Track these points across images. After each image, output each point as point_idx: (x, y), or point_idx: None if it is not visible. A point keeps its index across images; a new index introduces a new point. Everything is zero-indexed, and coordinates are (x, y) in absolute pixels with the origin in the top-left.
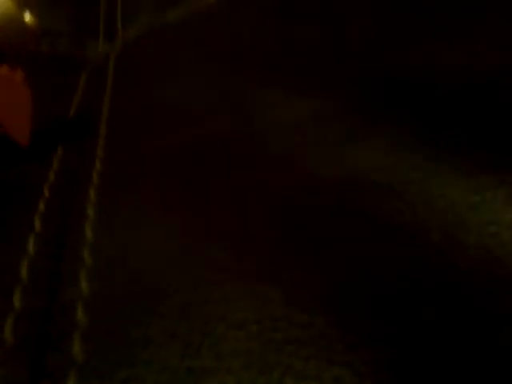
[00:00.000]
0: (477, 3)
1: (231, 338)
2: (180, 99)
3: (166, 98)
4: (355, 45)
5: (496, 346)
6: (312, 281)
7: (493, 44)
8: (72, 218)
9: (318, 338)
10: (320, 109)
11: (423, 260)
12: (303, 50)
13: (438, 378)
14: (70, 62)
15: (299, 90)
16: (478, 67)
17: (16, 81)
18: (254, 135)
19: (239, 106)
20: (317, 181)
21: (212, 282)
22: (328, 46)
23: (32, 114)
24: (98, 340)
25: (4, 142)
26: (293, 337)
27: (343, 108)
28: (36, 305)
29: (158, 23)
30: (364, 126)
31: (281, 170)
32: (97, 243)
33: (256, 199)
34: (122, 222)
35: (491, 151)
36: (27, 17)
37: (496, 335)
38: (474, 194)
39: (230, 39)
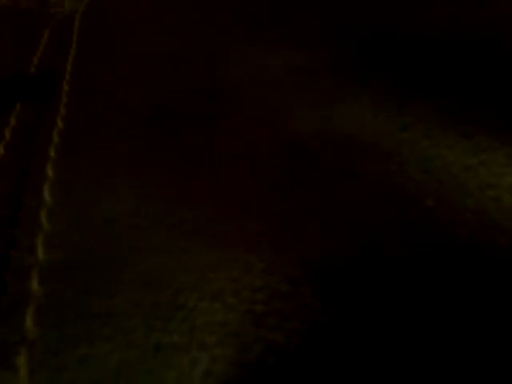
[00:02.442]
0: None
1: (205, 311)
2: (149, 53)
3: (134, 54)
4: (344, 5)
5: (494, 311)
6: (296, 247)
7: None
8: (30, 179)
9: (303, 310)
10: (304, 64)
11: (416, 226)
12: (284, 2)
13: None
14: (33, 17)
15: (282, 45)
16: (474, 22)
17: None
18: (232, 90)
19: (214, 60)
20: (302, 140)
21: (183, 249)
22: (315, 7)
23: None
24: (54, 313)
25: None
26: (274, 309)
27: (329, 64)
28: None
29: None
30: (351, 82)
31: (262, 127)
32: (56, 206)
33: (234, 159)
34: (84, 184)
35: (489, 110)
36: None
37: (494, 300)
38: (472, 155)
39: None
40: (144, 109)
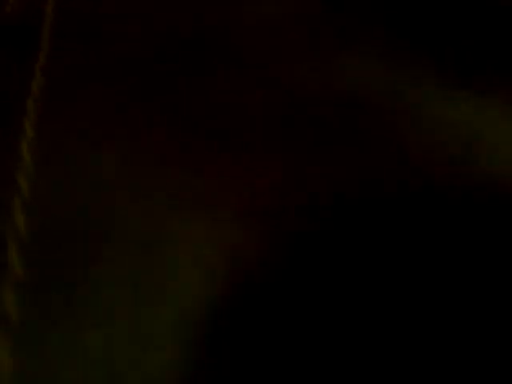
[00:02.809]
0: None
1: (188, 281)
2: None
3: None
4: None
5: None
6: (289, 220)
7: None
8: (7, 135)
9: (287, 283)
10: (304, 11)
11: (410, 170)
12: None
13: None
14: None
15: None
16: None
17: None
18: (225, 35)
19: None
20: (302, 98)
21: (170, 217)
22: None
23: None
24: (34, 287)
25: None
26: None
27: (330, 15)
28: None
29: None
30: (353, 28)
31: (261, 80)
32: (35, 167)
33: (229, 115)
34: (65, 143)
35: (499, 71)
36: None
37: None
38: (488, 110)
39: None
40: (130, 59)
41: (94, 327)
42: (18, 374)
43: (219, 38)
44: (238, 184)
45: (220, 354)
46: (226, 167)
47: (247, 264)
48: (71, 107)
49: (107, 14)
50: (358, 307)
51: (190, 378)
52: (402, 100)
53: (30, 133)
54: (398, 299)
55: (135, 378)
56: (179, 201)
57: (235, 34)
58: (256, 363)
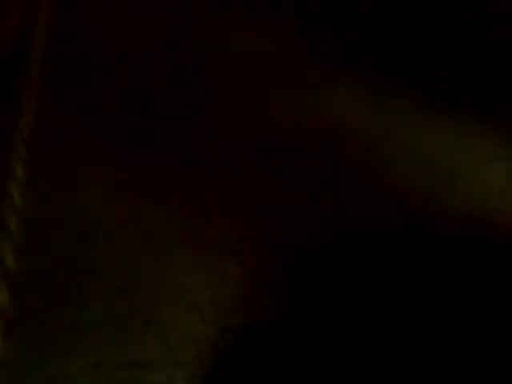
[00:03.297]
0: None
1: (180, 324)
2: (122, 36)
3: (111, 39)
4: None
5: (483, 310)
6: (276, 253)
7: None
8: None
9: (284, 321)
10: (289, 48)
11: (404, 216)
12: None
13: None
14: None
15: (262, 29)
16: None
17: None
18: (209, 74)
19: (188, 40)
20: (282, 130)
21: (159, 256)
22: None
23: None
24: (24, 328)
25: None
26: (254, 320)
27: (315, 49)
28: None
29: None
30: (337, 68)
31: (241, 118)
32: (26, 209)
33: (215, 153)
34: (55, 183)
35: (474, 99)
36: None
37: (481, 296)
38: (460, 149)
39: None
40: (116, 98)
41: (82, 367)
42: None
43: (210, 75)
44: (218, 221)
45: None
46: (207, 204)
47: (229, 303)
48: (59, 149)
49: (97, 57)
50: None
51: None
52: (388, 137)
53: (22, 178)
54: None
55: None
56: (163, 236)
57: (210, 71)
58: None
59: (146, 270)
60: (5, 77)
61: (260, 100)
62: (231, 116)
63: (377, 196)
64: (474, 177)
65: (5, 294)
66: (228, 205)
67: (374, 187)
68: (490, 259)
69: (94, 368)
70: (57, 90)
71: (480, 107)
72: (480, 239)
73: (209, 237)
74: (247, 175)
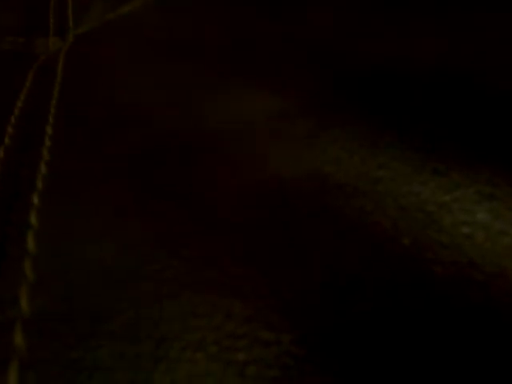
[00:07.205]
0: None
1: (187, 361)
2: (130, 97)
3: (116, 97)
4: (316, 42)
5: (469, 349)
6: (277, 293)
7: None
8: (13, 226)
9: (284, 358)
10: (281, 106)
11: (393, 265)
12: (260, 44)
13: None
14: (18, 59)
15: (258, 87)
16: (446, 60)
17: None
18: (208, 134)
19: (190, 104)
20: (279, 182)
21: (165, 296)
22: (288, 42)
23: None
24: (39, 369)
25: None
26: (256, 357)
27: (305, 105)
28: None
29: (108, 19)
30: (327, 124)
31: (240, 170)
32: (40, 255)
33: (216, 202)
34: (68, 232)
35: (461, 148)
36: None
37: (469, 338)
38: (445, 193)
39: (182, 34)
40: (126, 155)
41: None
42: None
43: (209, 137)
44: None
45: None
46: (204, 252)
47: (232, 340)
48: (72, 201)
49: (105, 115)
50: None
51: None
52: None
53: (35, 223)
54: None
55: None
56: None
57: (221, 130)
58: None
59: (153, 310)
60: (25, 125)
61: (258, 155)
62: (230, 168)
63: (369, 241)
64: (460, 216)
65: (20, 336)
66: (230, 248)
67: (367, 234)
68: (481, 298)
69: None
70: (69, 133)
71: (460, 150)
72: (468, 276)
73: (213, 277)
74: (247, 223)
